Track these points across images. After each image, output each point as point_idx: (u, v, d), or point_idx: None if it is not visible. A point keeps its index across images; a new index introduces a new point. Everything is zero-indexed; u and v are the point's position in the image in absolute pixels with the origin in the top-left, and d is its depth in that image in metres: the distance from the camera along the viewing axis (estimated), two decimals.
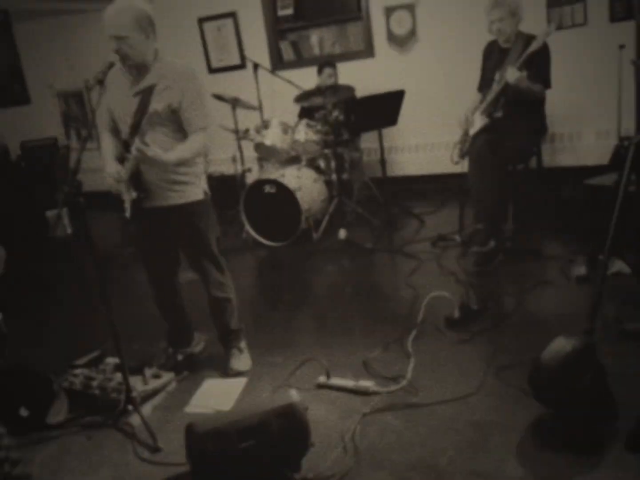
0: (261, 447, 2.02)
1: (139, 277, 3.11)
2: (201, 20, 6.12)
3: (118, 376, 2.66)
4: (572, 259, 3.46)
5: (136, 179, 2.58)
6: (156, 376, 2.76)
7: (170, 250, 2.82)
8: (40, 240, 5.42)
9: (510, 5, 3.68)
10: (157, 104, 2.49)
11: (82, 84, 6.72)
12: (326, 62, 5.21)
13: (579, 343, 2.13)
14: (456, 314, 3.03)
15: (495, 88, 3.73)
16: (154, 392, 2.70)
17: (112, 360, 2.85)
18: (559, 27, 4.69)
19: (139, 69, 2.55)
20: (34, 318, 3.94)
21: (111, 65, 2.41)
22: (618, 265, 3.25)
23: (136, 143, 2.39)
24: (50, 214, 5.55)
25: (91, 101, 6.77)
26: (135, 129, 2.50)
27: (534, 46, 3.50)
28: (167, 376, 2.80)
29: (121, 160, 2.57)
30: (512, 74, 3.53)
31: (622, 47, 4.25)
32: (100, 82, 2.35)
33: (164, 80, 2.51)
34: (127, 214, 2.66)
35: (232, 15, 5.99)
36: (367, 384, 2.56)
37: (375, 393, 2.51)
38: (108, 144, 2.70)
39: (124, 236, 5.25)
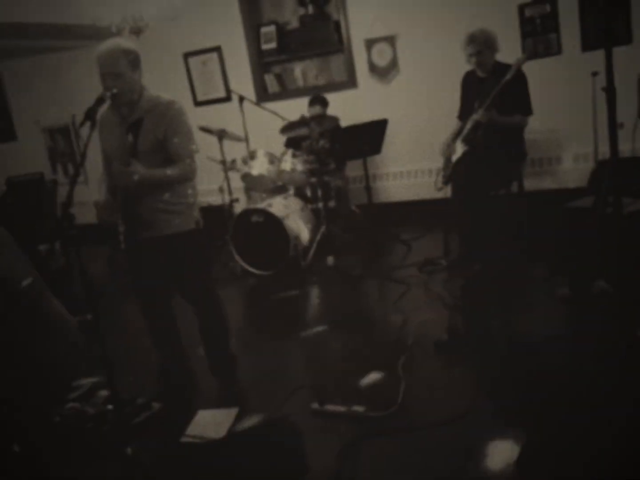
0: (257, 474, 2.03)
1: (131, 309, 3.12)
2: (186, 55, 6.23)
3: (110, 408, 2.66)
4: (555, 281, 3.53)
5: (128, 210, 2.64)
6: (148, 407, 2.76)
7: (164, 280, 2.85)
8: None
9: (486, 39, 3.83)
10: (145, 137, 2.57)
11: (68, 120, 6.80)
12: (319, 99, 5.22)
13: None
14: (444, 337, 3.07)
15: (475, 116, 3.85)
16: (147, 423, 2.70)
17: (104, 393, 2.85)
18: (535, 57, 4.86)
19: (128, 106, 2.63)
20: (26, 351, 3.91)
21: (101, 100, 2.47)
22: (601, 285, 3.32)
23: (119, 167, 2.47)
24: (43, 247, 5.54)
25: (78, 136, 6.83)
26: (127, 162, 2.56)
27: (508, 76, 3.63)
28: (159, 406, 2.80)
29: (114, 192, 2.63)
30: (483, 116, 3.67)
31: (595, 74, 4.40)
32: (91, 118, 2.40)
33: (150, 114, 2.60)
34: (123, 245, 2.70)
35: (217, 49, 6.11)
36: (359, 409, 2.58)
37: (367, 418, 2.53)
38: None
39: (115, 268, 5.25)
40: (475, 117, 3.78)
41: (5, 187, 6.56)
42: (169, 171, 2.62)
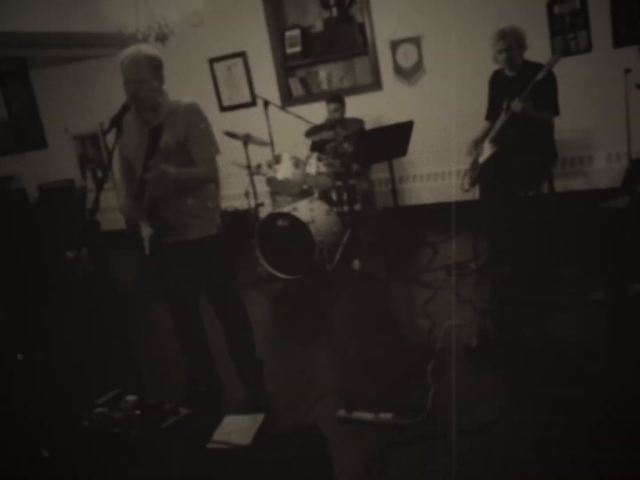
0: None
1: (159, 313, 3.13)
2: (212, 61, 6.28)
3: (138, 413, 2.66)
4: (589, 284, 3.43)
5: (152, 216, 2.65)
6: (176, 412, 2.77)
7: (190, 283, 2.86)
8: (60, 280, 5.48)
9: (517, 36, 3.76)
10: (166, 140, 2.57)
11: (97, 127, 6.90)
12: (330, 97, 5.25)
13: None
14: (474, 342, 3.01)
15: (503, 117, 3.78)
16: (176, 427, 2.70)
17: (131, 398, 2.86)
18: (565, 54, 4.76)
19: (150, 111, 2.65)
20: (55, 357, 3.97)
21: (126, 108, 2.48)
22: (637, 288, 3.22)
23: (148, 171, 2.48)
24: (70, 253, 5.63)
25: (106, 143, 6.93)
26: (148, 165, 2.57)
27: (540, 75, 3.55)
28: (187, 412, 2.80)
29: (138, 197, 2.64)
30: (517, 105, 3.59)
31: (627, 71, 4.29)
32: (117, 124, 2.42)
33: (171, 117, 2.61)
34: (147, 250, 2.71)
35: (242, 54, 6.14)
36: (387, 416, 2.54)
37: (395, 425, 2.49)
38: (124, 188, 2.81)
39: (142, 273, 5.29)
40: (510, 109, 3.68)
41: (38, 194, 6.70)
42: (193, 170, 2.64)
